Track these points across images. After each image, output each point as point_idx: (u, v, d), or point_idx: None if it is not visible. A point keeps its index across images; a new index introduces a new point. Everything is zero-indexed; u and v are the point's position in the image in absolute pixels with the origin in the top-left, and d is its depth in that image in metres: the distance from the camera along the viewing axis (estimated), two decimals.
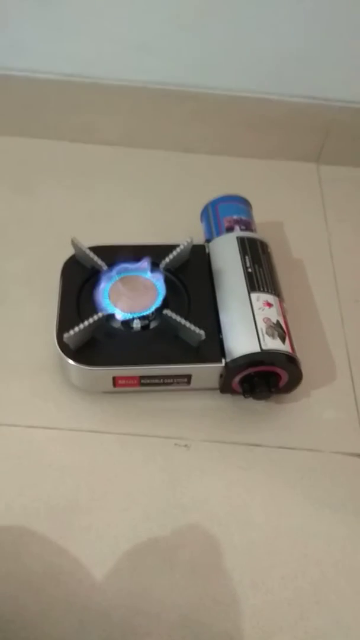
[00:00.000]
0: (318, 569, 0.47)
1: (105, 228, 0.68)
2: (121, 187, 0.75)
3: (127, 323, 0.54)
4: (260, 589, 0.46)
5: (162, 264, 0.57)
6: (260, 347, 0.50)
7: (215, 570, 0.46)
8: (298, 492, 0.51)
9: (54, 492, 0.49)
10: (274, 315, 0.53)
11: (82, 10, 0.67)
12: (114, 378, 0.52)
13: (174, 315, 0.51)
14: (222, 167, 0.79)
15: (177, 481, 0.51)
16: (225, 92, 0.74)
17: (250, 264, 0.56)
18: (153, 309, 0.54)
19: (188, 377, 0.53)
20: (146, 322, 0.54)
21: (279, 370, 0.52)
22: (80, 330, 0.50)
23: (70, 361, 0.50)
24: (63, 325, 0.52)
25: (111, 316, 0.54)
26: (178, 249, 0.57)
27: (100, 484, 0.50)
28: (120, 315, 0.53)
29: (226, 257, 0.58)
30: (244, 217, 0.62)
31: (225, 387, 0.54)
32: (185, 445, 0.53)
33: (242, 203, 0.64)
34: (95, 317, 0.51)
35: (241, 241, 0.58)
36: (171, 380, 0.53)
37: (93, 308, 0.53)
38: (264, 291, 0.55)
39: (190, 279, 0.58)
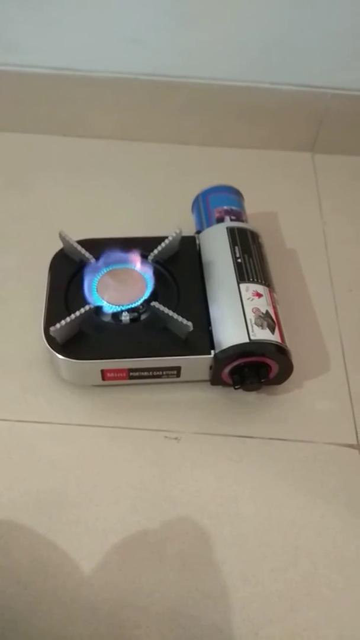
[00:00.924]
0: (309, 560, 0.46)
1: (98, 221, 0.68)
2: (114, 181, 0.75)
3: (116, 316, 0.54)
4: (250, 581, 0.45)
5: (151, 256, 0.56)
6: (249, 338, 0.50)
7: (204, 563, 0.46)
8: (290, 483, 0.50)
9: (43, 485, 0.49)
10: (263, 305, 0.52)
11: (72, 3, 0.67)
12: (102, 371, 0.51)
13: (161, 307, 0.51)
14: (215, 158, 0.78)
15: (167, 474, 0.50)
16: (216, 82, 0.73)
17: (240, 255, 0.56)
18: (141, 301, 0.53)
19: (177, 370, 0.52)
20: (135, 314, 0.54)
21: (269, 361, 0.51)
22: (67, 324, 0.49)
23: (58, 355, 0.50)
24: (51, 319, 0.51)
25: (100, 309, 0.53)
26: (167, 241, 0.56)
27: (90, 477, 0.50)
28: (107, 308, 0.53)
29: (216, 247, 0.57)
30: (234, 208, 0.62)
31: (215, 378, 0.53)
32: (176, 438, 0.53)
33: (233, 193, 0.64)
34: (82, 310, 0.50)
35: (231, 231, 0.58)
36: (160, 373, 0.52)
37: (81, 301, 0.53)
38: (253, 281, 0.54)
39: (179, 271, 0.57)
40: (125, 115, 0.77)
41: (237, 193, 0.64)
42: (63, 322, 0.49)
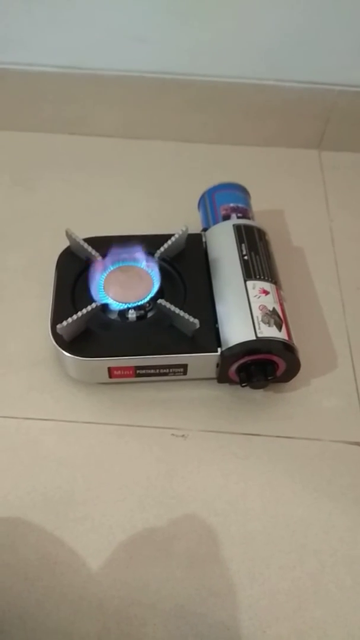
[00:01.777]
0: (316, 559, 0.46)
1: (104, 220, 0.68)
2: (120, 178, 0.75)
3: (122, 313, 0.54)
4: (258, 579, 0.45)
5: (157, 254, 0.56)
6: (256, 335, 0.50)
7: (211, 561, 0.46)
8: (297, 481, 0.50)
9: (50, 483, 0.49)
10: (270, 302, 0.52)
11: (77, 1, 0.67)
12: (109, 369, 0.51)
13: (168, 305, 0.51)
14: (221, 156, 0.78)
15: (173, 471, 0.50)
16: (222, 80, 0.73)
17: (246, 252, 0.56)
18: (148, 298, 0.53)
19: (184, 367, 0.52)
20: (142, 312, 0.54)
21: (276, 359, 0.51)
22: (73, 321, 0.49)
23: (64, 352, 0.50)
24: (58, 316, 0.51)
25: (107, 307, 0.53)
26: (173, 238, 0.56)
27: (97, 474, 0.50)
28: (114, 305, 0.53)
29: (222, 245, 0.57)
30: (240, 205, 0.61)
31: (222, 376, 0.53)
32: (183, 436, 0.52)
33: (239, 191, 0.63)
34: (89, 308, 0.50)
35: (237, 229, 0.58)
36: (167, 371, 0.52)
37: (88, 299, 0.53)
38: (260, 279, 0.54)
39: (186, 268, 0.57)
40: (130, 113, 0.77)
41: (243, 190, 0.64)
42: (70, 319, 0.49)
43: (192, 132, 0.79)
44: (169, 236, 0.57)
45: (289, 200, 0.73)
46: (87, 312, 0.50)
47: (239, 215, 0.60)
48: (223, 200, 0.62)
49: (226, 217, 0.60)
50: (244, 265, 0.54)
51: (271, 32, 0.68)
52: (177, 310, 0.50)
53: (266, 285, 0.53)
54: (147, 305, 0.54)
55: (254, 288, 0.53)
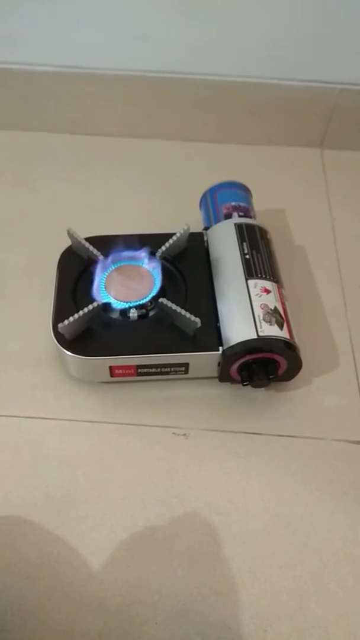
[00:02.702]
0: (318, 558, 0.46)
1: (105, 219, 0.68)
2: (122, 178, 0.75)
3: (124, 313, 0.54)
4: (259, 578, 0.45)
5: (159, 253, 0.56)
6: (257, 334, 0.50)
7: (213, 560, 0.46)
8: (298, 480, 0.50)
9: (51, 482, 0.49)
10: (271, 301, 0.52)
11: (78, 0, 0.67)
12: (110, 368, 0.51)
13: (169, 304, 0.51)
14: (223, 155, 0.78)
15: (175, 470, 0.50)
16: (224, 79, 0.73)
17: (248, 251, 0.56)
18: (149, 297, 0.53)
19: (185, 366, 0.52)
20: (143, 311, 0.54)
21: (277, 357, 0.51)
22: (75, 320, 0.49)
23: (66, 351, 0.50)
24: (59, 315, 0.52)
25: (108, 306, 0.53)
26: (174, 237, 0.56)
27: (98, 473, 0.50)
28: (115, 305, 0.53)
29: (224, 244, 0.57)
30: (242, 204, 0.61)
31: (223, 375, 0.53)
32: (184, 435, 0.52)
33: (241, 189, 0.63)
34: (91, 307, 0.50)
35: (239, 228, 0.57)
36: (168, 370, 0.52)
37: (89, 298, 0.53)
38: (261, 277, 0.54)
39: (187, 267, 0.57)
40: (132, 112, 0.77)
41: (245, 189, 0.64)
42: (71, 318, 0.49)
43: (194, 131, 0.78)
44: (170, 235, 0.56)
45: (291, 199, 0.73)
46: (89, 311, 0.50)
47: (241, 214, 0.60)
48: (225, 199, 0.62)
49: (228, 216, 0.60)
50: (246, 264, 0.54)
51: (273, 31, 0.68)
52: (178, 309, 0.50)
53: (268, 284, 0.53)
54: (149, 304, 0.54)
55: (255, 287, 0.53)
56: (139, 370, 0.52)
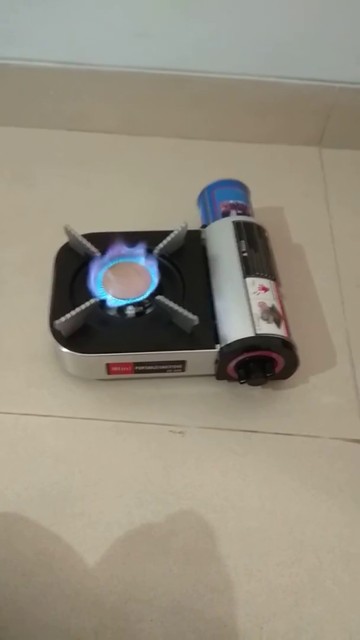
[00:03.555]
0: (314, 555, 0.46)
1: (103, 216, 0.67)
2: (120, 175, 0.75)
3: (121, 310, 0.53)
4: (255, 575, 0.45)
5: (156, 250, 0.56)
6: (255, 332, 0.49)
7: (209, 557, 0.46)
8: (295, 478, 0.50)
9: (47, 479, 0.49)
10: (269, 299, 0.52)
11: None
12: (107, 365, 0.51)
13: (166, 301, 0.51)
14: (222, 153, 0.78)
15: (171, 468, 0.50)
16: (223, 76, 0.72)
17: (245, 249, 0.55)
18: (146, 295, 0.53)
19: (182, 364, 0.52)
20: (140, 308, 0.53)
21: (274, 355, 0.51)
22: (72, 317, 0.49)
23: (63, 348, 0.50)
24: (56, 312, 0.51)
25: (105, 303, 0.53)
26: (172, 235, 0.56)
27: (94, 471, 0.50)
28: (112, 302, 0.52)
29: (221, 241, 0.57)
30: (240, 202, 0.61)
31: (220, 373, 0.53)
32: (181, 432, 0.52)
33: (239, 187, 0.63)
34: (87, 304, 0.50)
35: (237, 225, 0.57)
36: (165, 367, 0.52)
37: (86, 295, 0.53)
38: (259, 275, 0.54)
39: (185, 265, 0.57)
40: (130, 109, 0.77)
41: (243, 187, 0.64)
42: (68, 315, 0.49)
43: (192, 128, 0.78)
44: (168, 232, 0.56)
45: (289, 197, 0.73)
46: (86, 308, 0.50)
47: (239, 212, 0.60)
48: (223, 196, 0.62)
49: (226, 214, 0.60)
50: (243, 262, 0.54)
51: (272, 29, 0.68)
52: (175, 307, 0.50)
53: (265, 282, 0.53)
54: (146, 301, 0.53)
55: (253, 285, 0.53)
56: (136, 368, 0.52)
